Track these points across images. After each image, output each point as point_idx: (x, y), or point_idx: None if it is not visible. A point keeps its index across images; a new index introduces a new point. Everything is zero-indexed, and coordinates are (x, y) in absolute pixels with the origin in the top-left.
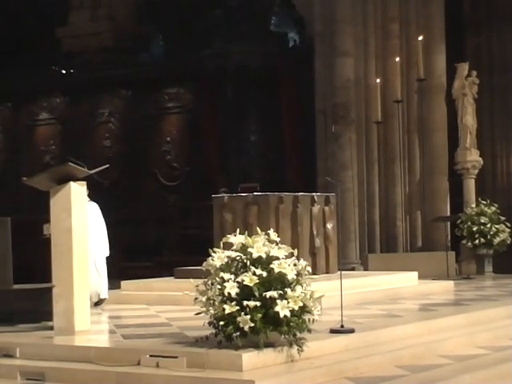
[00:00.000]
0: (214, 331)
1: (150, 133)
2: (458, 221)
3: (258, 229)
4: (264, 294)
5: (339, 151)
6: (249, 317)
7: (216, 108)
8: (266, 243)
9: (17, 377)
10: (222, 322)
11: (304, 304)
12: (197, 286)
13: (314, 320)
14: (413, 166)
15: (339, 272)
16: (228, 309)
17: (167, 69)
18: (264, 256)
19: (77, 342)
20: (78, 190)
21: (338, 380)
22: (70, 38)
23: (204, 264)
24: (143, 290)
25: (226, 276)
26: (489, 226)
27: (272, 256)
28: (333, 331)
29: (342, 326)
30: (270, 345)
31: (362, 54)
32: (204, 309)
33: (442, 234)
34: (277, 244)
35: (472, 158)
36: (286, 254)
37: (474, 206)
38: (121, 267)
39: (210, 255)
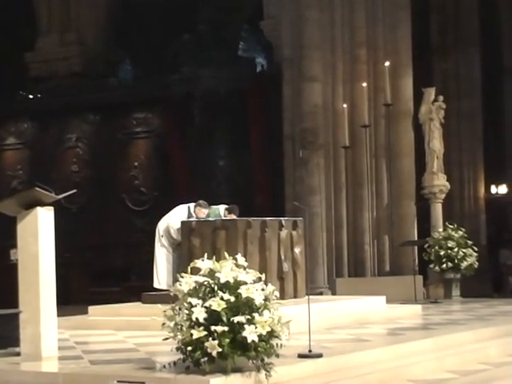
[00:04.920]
0: (181, 356)
1: (118, 158)
2: (426, 245)
3: (226, 254)
4: (232, 318)
5: (307, 176)
6: (217, 342)
7: (184, 133)
8: (234, 268)
9: None
10: (189, 348)
11: (272, 329)
12: (164, 311)
13: (281, 345)
14: (380, 190)
15: (307, 296)
16: (196, 334)
17: (135, 94)
18: (232, 281)
19: (44, 368)
20: (45, 215)
21: None
22: (38, 62)
23: (172, 289)
24: (111, 315)
25: (194, 301)
26: (456, 250)
27: (240, 281)
28: (301, 356)
29: (309, 351)
30: (237, 370)
31: (330, 79)
32: (172, 334)
33: (409, 259)
34: (245, 269)
35: (439, 182)
36: (254, 278)
37: (441, 230)
38: (89, 292)
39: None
